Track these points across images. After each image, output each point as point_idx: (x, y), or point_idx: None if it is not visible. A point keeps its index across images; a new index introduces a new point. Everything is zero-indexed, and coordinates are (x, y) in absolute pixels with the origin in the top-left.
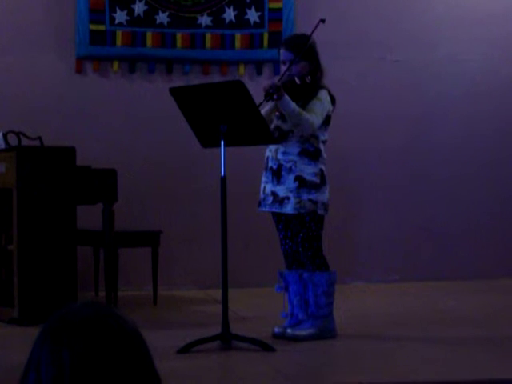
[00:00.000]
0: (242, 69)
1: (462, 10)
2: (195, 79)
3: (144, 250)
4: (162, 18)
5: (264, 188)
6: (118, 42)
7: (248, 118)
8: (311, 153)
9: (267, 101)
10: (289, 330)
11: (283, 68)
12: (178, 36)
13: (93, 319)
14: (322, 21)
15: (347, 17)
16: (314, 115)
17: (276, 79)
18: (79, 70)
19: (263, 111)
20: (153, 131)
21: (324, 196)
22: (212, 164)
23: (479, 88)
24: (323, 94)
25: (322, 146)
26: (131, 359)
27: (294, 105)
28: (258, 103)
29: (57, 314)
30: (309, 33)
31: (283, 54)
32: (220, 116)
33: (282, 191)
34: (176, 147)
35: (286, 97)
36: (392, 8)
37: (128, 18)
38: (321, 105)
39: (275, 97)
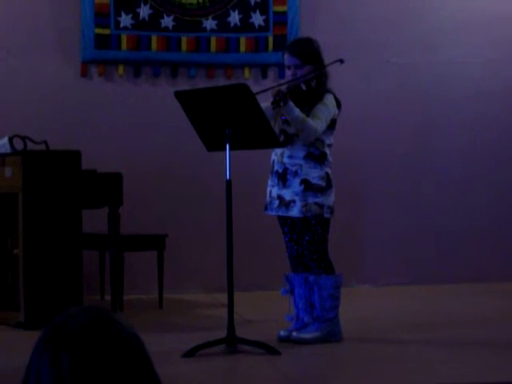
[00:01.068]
0: (247, 72)
1: (464, 14)
2: (200, 83)
3: (150, 254)
4: (167, 21)
5: (270, 191)
6: (123, 45)
7: (253, 121)
8: (317, 156)
9: (273, 108)
10: (294, 334)
11: (288, 72)
12: (183, 40)
13: (90, 325)
14: (341, 61)
15: (351, 20)
16: (318, 120)
17: (283, 86)
18: (84, 73)
19: (263, 105)
20: (158, 135)
21: (330, 199)
22: (217, 167)
23: (482, 91)
24: (328, 98)
25: (327, 150)
26: (130, 364)
27: (298, 111)
28: (258, 92)
29: (55, 321)
30: (313, 37)
31: (287, 58)
32: (225, 119)
33: (287, 195)
34: (181, 151)
35: (291, 103)
36: (395, 11)
37: (133, 21)
38: (325, 109)
39: (281, 103)
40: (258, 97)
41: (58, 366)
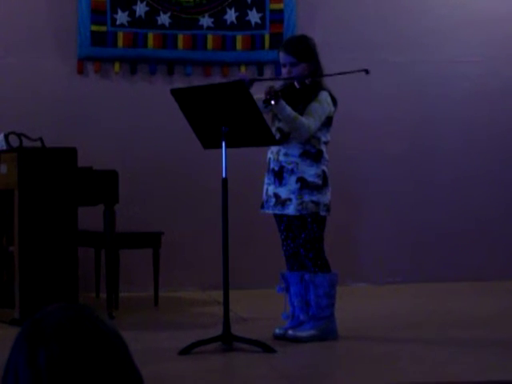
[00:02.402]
0: (243, 70)
1: (463, 12)
2: (196, 80)
3: (145, 252)
4: (164, 19)
5: (267, 190)
6: (120, 43)
7: (249, 119)
8: (313, 154)
9: (265, 107)
10: (290, 332)
11: (283, 71)
12: (180, 37)
13: (68, 321)
14: (366, 72)
15: (348, 18)
16: (312, 118)
17: (275, 83)
18: (80, 71)
19: (255, 96)
20: (154, 132)
21: (326, 197)
22: (213, 165)
23: (481, 90)
24: (323, 96)
25: (323, 147)
26: (108, 360)
27: (289, 110)
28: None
29: (33, 318)
30: (310, 35)
31: (283, 56)
32: (221, 117)
33: (284, 193)
34: (177, 148)
35: (282, 102)
36: (393, 10)
37: (129, 19)
38: (320, 107)
39: (272, 102)
40: (251, 90)
41: (35, 363)
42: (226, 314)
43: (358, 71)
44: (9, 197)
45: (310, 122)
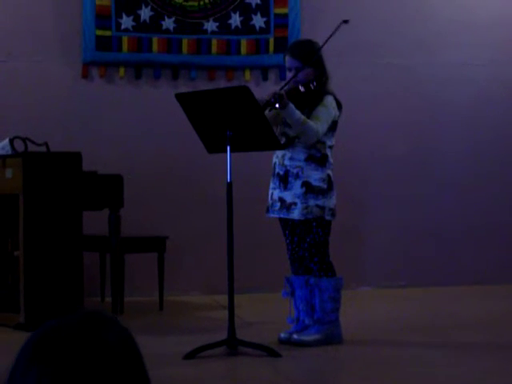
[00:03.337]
0: (247, 74)
1: (468, 16)
2: (201, 85)
3: (150, 256)
4: (168, 23)
5: (272, 194)
6: (124, 47)
7: (254, 123)
8: (318, 158)
9: (269, 110)
10: (295, 336)
11: (289, 75)
12: (184, 41)
13: (71, 339)
14: (345, 22)
15: (353, 22)
16: (319, 122)
17: (279, 87)
18: (85, 75)
19: (268, 114)
20: (159, 137)
21: (331, 201)
22: (218, 169)
23: (485, 93)
24: (329, 100)
25: (328, 152)
26: (119, 369)
27: (298, 114)
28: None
29: (33, 336)
30: (313, 39)
31: (289, 61)
32: (226, 121)
33: (289, 197)
34: (182, 153)
35: (291, 105)
36: (398, 13)
37: (134, 23)
38: (326, 111)
39: (277, 106)
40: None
41: (41, 372)
42: (230, 318)
43: (339, 25)
44: (14, 201)
45: (318, 125)
